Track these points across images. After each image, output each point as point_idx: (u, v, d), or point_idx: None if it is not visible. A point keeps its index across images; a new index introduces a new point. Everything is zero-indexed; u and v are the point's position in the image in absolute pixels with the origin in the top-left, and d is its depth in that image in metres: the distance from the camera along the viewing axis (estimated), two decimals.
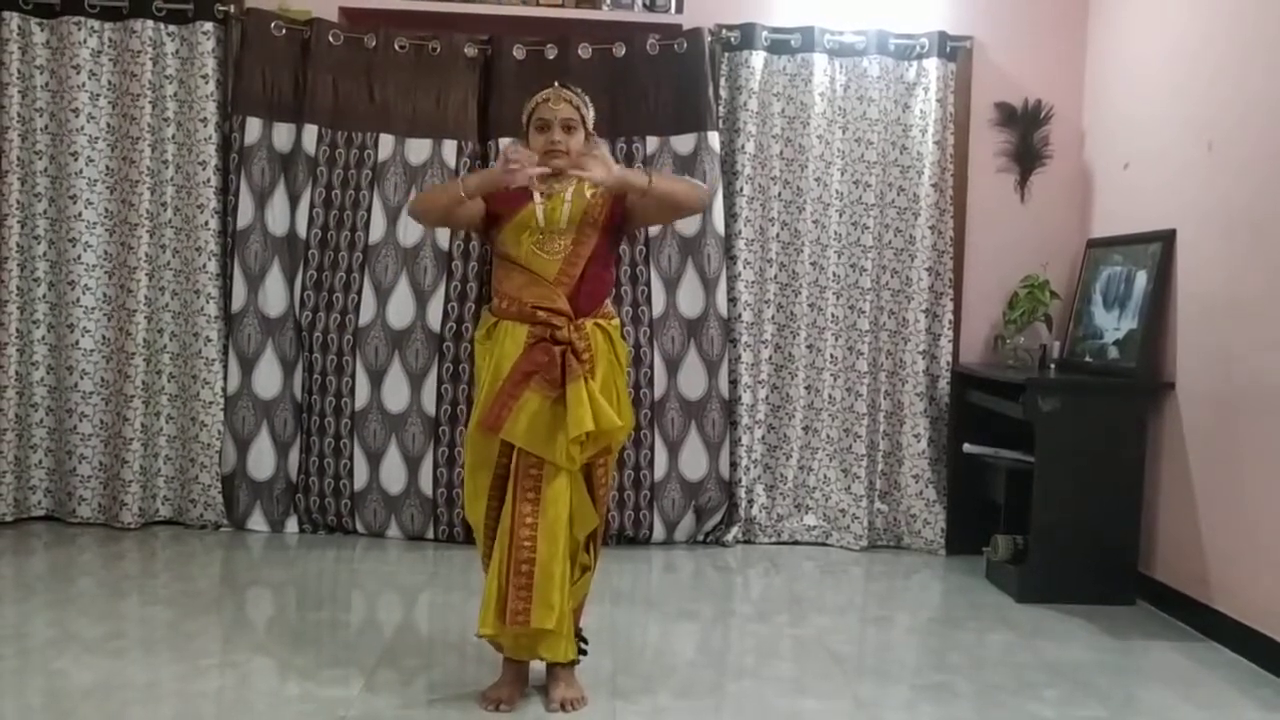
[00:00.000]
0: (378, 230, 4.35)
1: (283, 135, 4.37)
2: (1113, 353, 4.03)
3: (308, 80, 4.33)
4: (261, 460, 4.38)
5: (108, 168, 4.39)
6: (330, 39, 4.35)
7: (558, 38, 4.37)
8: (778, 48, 4.45)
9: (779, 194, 4.47)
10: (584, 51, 4.35)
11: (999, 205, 4.58)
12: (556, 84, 2.79)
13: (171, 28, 4.35)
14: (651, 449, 4.39)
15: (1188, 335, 3.75)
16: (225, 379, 4.37)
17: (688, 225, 4.33)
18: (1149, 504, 3.86)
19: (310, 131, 4.35)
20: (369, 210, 4.36)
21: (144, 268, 4.35)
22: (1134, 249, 4.06)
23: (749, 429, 4.46)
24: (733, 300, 4.44)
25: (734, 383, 4.45)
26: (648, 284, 4.40)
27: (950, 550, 4.42)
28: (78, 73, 4.31)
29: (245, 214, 4.34)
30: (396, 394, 4.35)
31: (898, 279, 4.52)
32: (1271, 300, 3.28)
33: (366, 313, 4.35)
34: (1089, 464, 3.79)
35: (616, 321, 2.82)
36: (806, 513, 4.55)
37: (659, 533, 4.43)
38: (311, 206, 4.36)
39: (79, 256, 4.35)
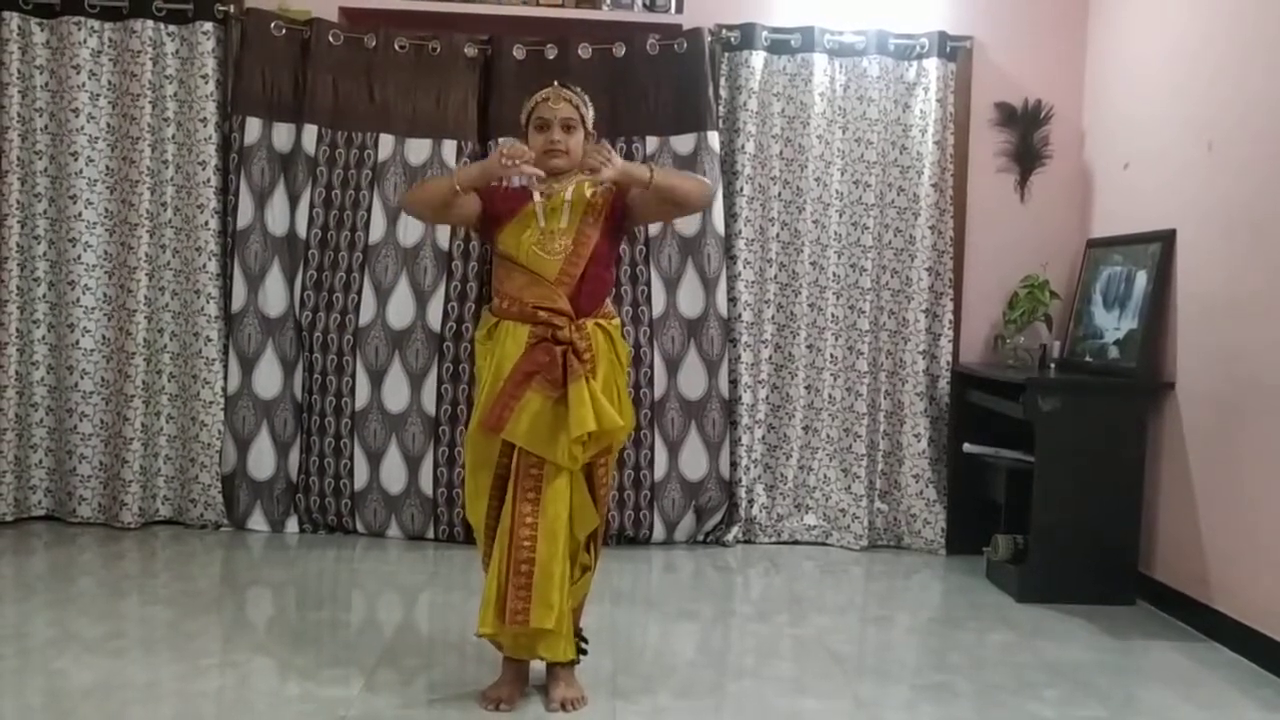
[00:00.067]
0: (378, 230, 4.35)
1: (283, 135, 4.37)
2: (1113, 352, 4.03)
3: (308, 80, 4.33)
4: (262, 460, 4.38)
5: (108, 168, 4.39)
6: (330, 39, 4.35)
7: (558, 38, 4.37)
8: (778, 48, 4.45)
9: (779, 194, 4.47)
10: (584, 51, 4.36)
11: (999, 205, 4.58)
12: (556, 83, 2.79)
13: (171, 28, 4.35)
14: (651, 449, 4.39)
15: (1188, 335, 3.75)
16: (225, 379, 4.38)
17: (688, 225, 4.34)
18: (1149, 504, 3.86)
19: (310, 131, 4.35)
20: (369, 210, 4.36)
21: (144, 268, 4.35)
22: (1134, 249, 4.06)
23: (749, 429, 4.46)
24: (733, 300, 4.44)
25: (734, 382, 4.45)
26: (648, 284, 4.40)
27: (950, 550, 4.42)
28: (78, 73, 4.31)
29: (245, 214, 4.34)
30: (397, 394, 4.35)
31: (898, 279, 4.52)
32: (1271, 300, 3.28)
33: (366, 313, 4.35)
34: (1089, 464, 3.79)
35: (617, 321, 2.83)
36: (806, 512, 4.55)
37: (659, 532, 4.43)
38: (311, 206, 4.36)
39: (79, 256, 4.35)
